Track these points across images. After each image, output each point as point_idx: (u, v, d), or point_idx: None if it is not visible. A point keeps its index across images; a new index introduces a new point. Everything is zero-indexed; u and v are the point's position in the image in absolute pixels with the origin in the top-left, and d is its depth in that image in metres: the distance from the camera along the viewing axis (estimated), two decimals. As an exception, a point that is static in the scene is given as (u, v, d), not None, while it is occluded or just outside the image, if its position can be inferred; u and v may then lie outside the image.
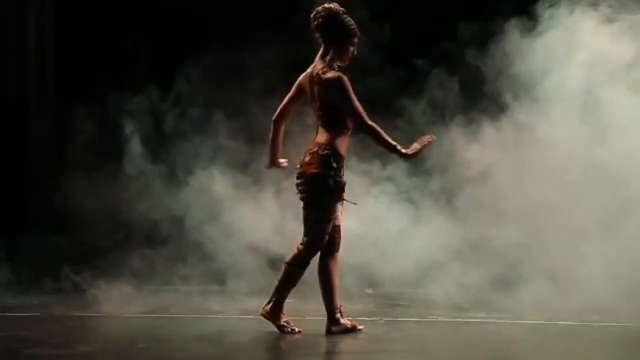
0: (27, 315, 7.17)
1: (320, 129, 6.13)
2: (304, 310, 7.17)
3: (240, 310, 7.40)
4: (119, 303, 7.49)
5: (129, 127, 9.34)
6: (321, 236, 6.10)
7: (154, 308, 7.46)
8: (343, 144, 6.10)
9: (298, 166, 6.16)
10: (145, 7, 10.15)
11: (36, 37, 10.03)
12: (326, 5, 6.11)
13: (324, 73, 6.06)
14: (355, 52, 6.17)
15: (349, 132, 6.13)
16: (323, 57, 6.13)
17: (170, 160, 9.44)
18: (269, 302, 6.24)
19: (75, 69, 9.90)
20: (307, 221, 6.13)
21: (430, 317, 7.08)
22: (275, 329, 6.25)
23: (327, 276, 6.17)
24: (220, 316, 7.20)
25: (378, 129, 6.03)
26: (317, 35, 6.14)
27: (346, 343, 6.01)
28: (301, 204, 6.16)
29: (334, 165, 6.03)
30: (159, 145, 9.48)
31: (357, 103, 6.03)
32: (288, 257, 6.22)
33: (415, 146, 6.04)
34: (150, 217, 9.07)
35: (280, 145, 6.32)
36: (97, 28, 10.09)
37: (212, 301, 8.00)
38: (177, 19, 10.01)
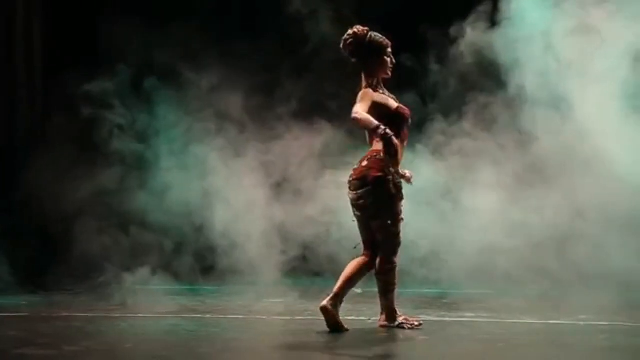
0: (14, 316, 7.12)
1: (376, 140, 6.20)
2: (304, 309, 7.20)
3: (237, 310, 7.34)
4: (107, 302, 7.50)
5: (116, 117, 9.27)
6: (396, 236, 6.25)
7: (141, 308, 7.41)
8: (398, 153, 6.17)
9: (352, 175, 6.21)
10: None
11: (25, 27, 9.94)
12: (350, 31, 6.29)
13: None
14: (393, 61, 6.34)
15: (403, 142, 6.28)
16: (367, 78, 6.28)
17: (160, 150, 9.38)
18: (382, 313, 6.38)
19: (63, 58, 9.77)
20: (379, 229, 6.22)
21: (431, 317, 6.96)
22: (269, 329, 6.35)
23: (354, 273, 6.23)
24: (209, 315, 7.11)
25: (360, 116, 6.00)
26: (353, 60, 6.32)
27: (345, 341, 5.96)
28: (362, 213, 6.22)
29: (391, 169, 6.15)
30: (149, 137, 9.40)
31: (361, 103, 6.08)
32: (376, 269, 6.29)
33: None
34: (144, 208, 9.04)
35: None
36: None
37: (208, 300, 7.97)
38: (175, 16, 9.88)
